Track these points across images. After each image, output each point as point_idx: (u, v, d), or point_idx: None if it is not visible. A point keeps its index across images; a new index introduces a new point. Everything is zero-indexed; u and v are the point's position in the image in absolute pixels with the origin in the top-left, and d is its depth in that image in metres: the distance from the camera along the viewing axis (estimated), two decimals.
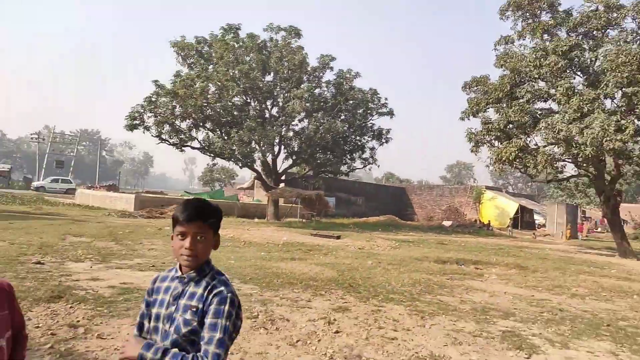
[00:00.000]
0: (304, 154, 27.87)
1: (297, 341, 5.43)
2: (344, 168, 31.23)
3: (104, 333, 5.13)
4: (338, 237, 19.14)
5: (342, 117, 28.91)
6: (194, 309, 1.74)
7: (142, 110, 25.33)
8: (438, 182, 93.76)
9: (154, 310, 1.82)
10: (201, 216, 1.81)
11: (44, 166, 65.91)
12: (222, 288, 1.79)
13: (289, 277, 9.06)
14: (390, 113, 29.85)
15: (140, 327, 1.93)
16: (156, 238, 14.84)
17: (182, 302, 1.77)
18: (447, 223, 36.54)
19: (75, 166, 77.67)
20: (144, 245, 12.79)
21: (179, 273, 1.83)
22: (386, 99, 30.00)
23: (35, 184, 51.15)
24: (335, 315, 6.53)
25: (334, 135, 26.63)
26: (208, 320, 1.71)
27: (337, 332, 5.87)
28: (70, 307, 5.96)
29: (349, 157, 30.05)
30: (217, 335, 1.68)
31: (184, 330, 1.73)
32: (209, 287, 1.78)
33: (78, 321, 5.44)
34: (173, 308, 1.77)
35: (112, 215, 23.85)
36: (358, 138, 30.01)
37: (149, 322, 1.87)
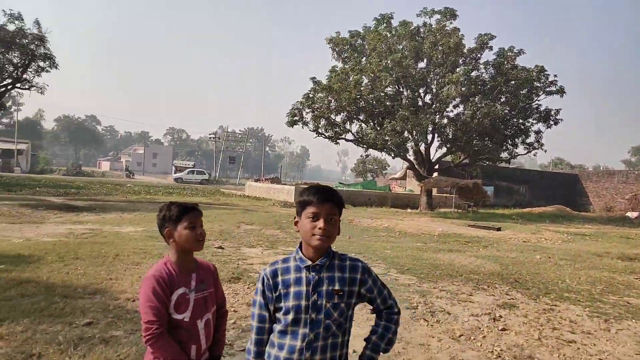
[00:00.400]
0: (460, 142, 26.60)
1: (460, 335, 5.24)
2: (504, 155, 29.00)
3: None
4: (499, 229, 17.92)
5: (503, 99, 26.78)
6: (340, 293, 1.83)
7: (300, 107, 27.01)
8: (620, 167, 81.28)
9: (289, 304, 1.78)
10: (333, 198, 1.87)
11: (220, 162, 74.69)
12: (357, 262, 1.94)
13: (447, 268, 8.78)
14: (561, 91, 26.60)
15: (260, 342, 1.89)
16: None
17: (324, 289, 1.80)
18: (632, 214, 31.46)
19: (244, 161, 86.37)
20: None
21: (308, 262, 1.81)
22: (555, 76, 26.83)
23: (174, 175, 57.75)
24: (500, 312, 6.13)
25: (493, 120, 24.84)
26: (374, 288, 1.96)
27: (504, 329, 5.50)
28: (248, 288, 6.65)
29: (510, 142, 27.76)
30: (386, 290, 2.02)
31: (335, 314, 1.83)
32: (347, 268, 1.88)
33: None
34: (316, 296, 1.78)
35: (276, 205, 25.96)
36: (521, 121, 27.50)
37: (282, 313, 1.82)
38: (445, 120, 27.56)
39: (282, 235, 12.94)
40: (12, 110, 62.88)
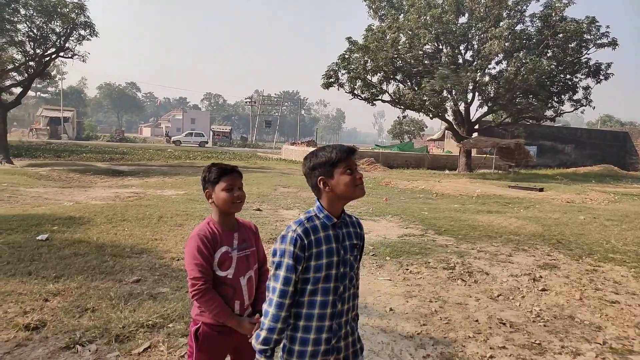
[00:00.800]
0: (502, 100, 25.58)
1: (499, 295, 5.21)
2: (549, 113, 27.76)
3: None
4: (541, 190, 17.41)
5: (549, 54, 25.34)
6: (357, 246, 1.95)
7: (336, 68, 26.56)
8: None
9: (323, 261, 1.80)
10: (354, 151, 1.94)
11: (256, 126, 75.24)
12: (357, 219, 2.04)
13: (486, 230, 8.66)
14: (613, 44, 24.85)
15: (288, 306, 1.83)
16: None
17: (347, 243, 1.88)
18: None
19: (280, 125, 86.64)
20: None
21: (334, 220, 1.85)
22: (607, 27, 25.03)
23: (173, 138, 56.88)
24: (541, 272, 6.03)
25: (538, 76, 23.62)
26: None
27: (544, 289, 5.43)
28: None
29: (555, 99, 26.45)
30: None
31: (356, 265, 1.95)
32: (355, 224, 2.00)
33: None
34: (343, 251, 1.85)
35: None
36: (568, 77, 26.04)
37: (311, 273, 1.80)
38: (487, 78, 26.46)
39: None
40: (56, 79, 64.92)
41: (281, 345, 1.86)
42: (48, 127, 51.07)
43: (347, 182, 1.82)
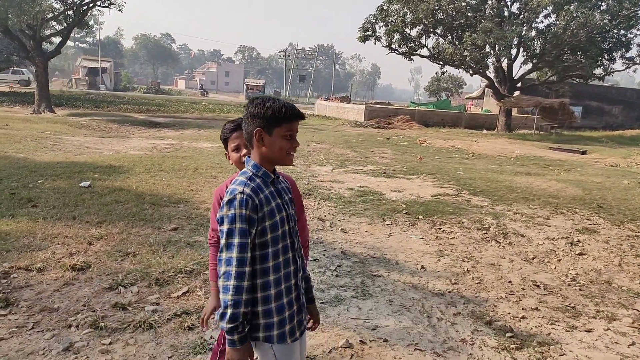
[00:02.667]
0: (548, 56, 24.20)
1: (533, 258, 5.13)
2: (597, 71, 26.15)
3: (346, 228, 5.78)
4: (584, 152, 16.73)
5: (603, 7, 23.61)
6: (292, 200, 1.89)
7: (374, 21, 25.63)
8: None
9: (276, 219, 1.70)
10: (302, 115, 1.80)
11: (289, 80, 74.54)
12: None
13: (524, 192, 8.44)
14: None
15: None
16: (386, 147, 15.56)
17: (286, 198, 1.82)
18: None
19: (314, 80, 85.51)
20: (374, 153, 13.58)
21: (272, 176, 1.75)
22: None
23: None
24: (579, 237, 5.88)
25: (589, 31, 22.12)
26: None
27: (581, 254, 5.31)
28: (318, 204, 6.86)
29: (606, 57, 24.85)
30: None
31: (296, 219, 1.90)
32: (284, 178, 1.98)
33: (325, 216, 6.24)
34: (286, 207, 1.78)
35: (346, 125, 25.82)
36: (622, 32, 24.32)
37: (268, 234, 1.68)
38: (533, 33, 24.97)
39: (352, 155, 12.97)
40: (94, 29, 65.52)
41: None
42: (87, 78, 52.06)
43: (283, 146, 1.71)
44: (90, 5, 24.56)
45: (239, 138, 2.11)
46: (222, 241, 1.63)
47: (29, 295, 3.44)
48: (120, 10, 25.23)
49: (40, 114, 20.38)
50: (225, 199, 1.64)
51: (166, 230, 5.05)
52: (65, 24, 24.56)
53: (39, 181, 6.75)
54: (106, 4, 24.76)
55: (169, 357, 2.80)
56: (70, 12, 24.19)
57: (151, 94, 49.53)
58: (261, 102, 1.72)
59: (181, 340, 2.97)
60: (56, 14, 24.09)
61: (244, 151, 2.10)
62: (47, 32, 26.00)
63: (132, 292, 3.55)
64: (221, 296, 1.61)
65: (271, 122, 1.69)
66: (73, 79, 54.37)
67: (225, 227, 1.62)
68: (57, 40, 25.88)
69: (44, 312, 3.21)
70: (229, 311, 1.59)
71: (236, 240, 1.61)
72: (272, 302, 1.69)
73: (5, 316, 3.13)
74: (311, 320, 2.05)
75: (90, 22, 42.22)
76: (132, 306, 3.34)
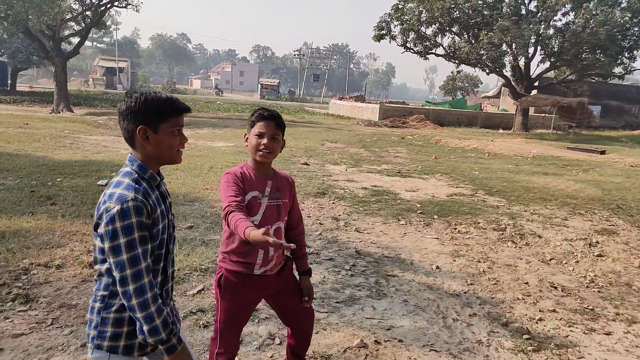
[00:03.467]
0: (566, 55, 23.81)
1: (551, 259, 5.06)
2: (617, 70, 25.64)
3: (361, 227, 5.76)
4: (602, 152, 16.44)
5: (624, 4, 23.15)
6: (171, 205, 1.74)
7: (389, 20, 25.52)
8: None
9: (160, 226, 1.55)
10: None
11: (304, 79, 74.62)
12: None
13: (541, 192, 8.33)
14: None
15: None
16: (400, 146, 15.48)
17: (168, 202, 1.68)
18: None
19: (328, 79, 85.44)
20: (389, 153, 13.52)
21: (158, 179, 1.60)
22: None
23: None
24: (598, 238, 5.78)
25: (609, 29, 21.68)
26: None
27: (600, 255, 5.22)
28: (333, 203, 6.85)
29: (626, 55, 24.37)
30: None
31: (174, 225, 1.75)
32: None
33: (339, 215, 6.23)
34: (168, 213, 1.65)
35: (360, 124, 25.75)
36: None
37: (154, 240, 1.54)
38: (551, 31, 24.62)
39: (366, 154, 12.94)
40: (111, 29, 66.40)
41: (94, 333, 1.55)
42: (104, 77, 52.80)
43: (172, 144, 1.56)
44: (108, 5, 24.91)
45: (268, 127, 2.10)
46: (124, 257, 1.42)
47: (49, 291, 3.50)
48: (137, 10, 25.55)
49: (59, 113, 20.72)
50: (114, 208, 1.43)
51: (181, 228, 5.10)
52: (83, 25, 24.94)
53: (58, 179, 6.86)
54: (123, 4, 25.09)
55: None
56: (88, 13, 24.54)
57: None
58: (141, 96, 1.52)
59: (197, 338, 2.99)
60: (75, 14, 24.48)
61: (265, 141, 2.08)
62: (66, 32, 26.43)
63: None
64: (141, 315, 1.43)
65: (156, 118, 1.51)
66: (91, 79, 55.22)
67: (122, 240, 1.42)
68: (75, 40, 26.30)
69: (62, 309, 3.27)
70: (158, 321, 1.45)
71: (140, 251, 1.44)
72: (126, 312, 1.51)
73: (26, 312, 3.19)
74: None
75: (108, 23, 42.85)
76: None
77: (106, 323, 1.54)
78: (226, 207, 1.92)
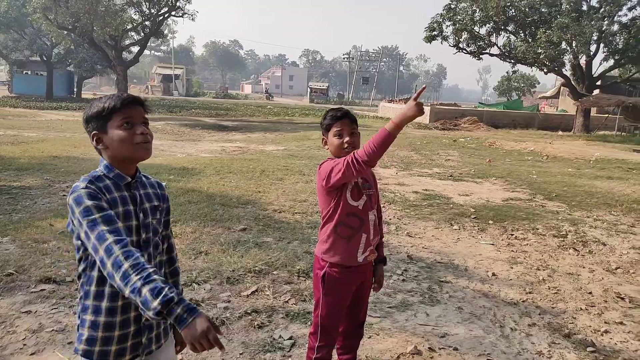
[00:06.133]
0: (632, 52, 22.41)
1: (617, 268, 4.77)
2: None
3: (412, 232, 5.68)
4: None
5: None
6: (160, 208, 1.65)
7: (440, 20, 25.05)
8: None
9: (130, 224, 1.51)
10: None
11: (353, 83, 74.55)
12: (154, 179, 1.74)
13: (605, 197, 7.88)
14: None
15: None
16: (451, 149, 15.13)
17: (146, 206, 1.59)
18: None
19: (377, 82, 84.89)
20: (440, 156, 13.25)
21: (128, 179, 1.54)
22: None
23: None
24: None
25: None
26: (169, 210, 1.75)
27: None
28: (383, 207, 6.77)
29: None
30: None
31: (161, 230, 1.66)
32: (155, 183, 1.71)
33: (390, 219, 6.18)
34: (142, 215, 1.57)
35: (410, 127, 25.38)
36: None
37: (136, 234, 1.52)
38: (615, 27, 23.23)
39: (417, 157, 12.74)
40: (168, 38, 69.28)
41: (76, 335, 1.54)
42: (161, 84, 55.12)
43: (122, 137, 1.49)
44: (166, 15, 26.05)
45: (345, 125, 2.20)
46: (92, 239, 1.37)
47: None
48: (192, 19, 26.57)
49: None
50: (69, 199, 1.44)
51: (235, 230, 5.23)
52: (143, 34, 26.23)
53: None
54: (180, 14, 26.16)
55: (240, 354, 2.89)
56: (147, 23, 25.78)
57: (220, 99, 51.48)
58: (88, 106, 1.56)
59: (251, 338, 3.05)
60: (135, 24, 25.79)
61: (347, 138, 2.19)
62: (127, 42, 27.88)
63: (205, 290, 3.71)
64: (128, 291, 1.28)
65: (102, 120, 1.51)
66: (149, 86, 57.77)
67: (85, 224, 1.38)
68: (135, 49, 27.68)
69: None
70: (146, 290, 1.26)
71: (105, 229, 1.37)
72: (102, 315, 1.48)
73: None
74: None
75: (165, 32, 44.76)
76: (205, 303, 3.49)
77: (83, 325, 1.51)
78: (352, 157, 2.02)
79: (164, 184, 1.78)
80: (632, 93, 28.67)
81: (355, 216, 2.20)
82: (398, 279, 4.21)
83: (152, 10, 25.51)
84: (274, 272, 4.10)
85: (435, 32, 25.23)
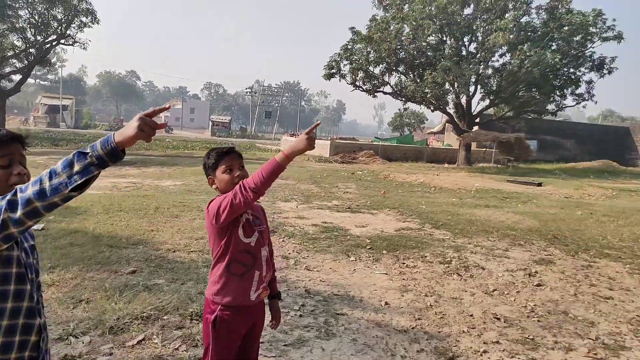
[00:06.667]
0: (504, 93, 25.45)
1: (494, 290, 5.22)
2: (550, 107, 27.60)
3: (310, 265, 5.74)
4: (539, 184, 17.42)
5: (554, 47, 25.12)
6: (34, 249, 1.68)
7: (338, 59, 26.41)
8: None
9: (29, 261, 1.52)
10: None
11: (255, 116, 75.04)
12: None
13: (483, 224, 8.66)
14: (619, 37, 24.35)
15: None
16: (350, 182, 15.73)
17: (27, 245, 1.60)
18: None
19: (280, 116, 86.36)
20: (339, 189, 13.70)
21: None
22: (614, 20, 24.45)
23: None
24: (536, 268, 6.04)
25: (542, 69, 23.40)
26: None
27: (538, 285, 5.44)
28: (282, 241, 6.81)
29: (558, 93, 26.26)
30: None
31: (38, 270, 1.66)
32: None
33: (289, 253, 6.19)
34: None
35: (311, 160, 26.03)
36: (572, 71, 25.82)
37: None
38: (489, 71, 26.30)
39: (317, 190, 13.04)
40: (56, 66, 64.59)
41: None
42: (47, 115, 50.90)
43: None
44: (54, 43, 24.34)
45: (233, 160, 2.18)
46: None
47: None
48: (84, 48, 25.10)
49: None
50: None
51: (123, 273, 4.89)
52: (26, 62, 24.15)
53: None
54: (70, 42, 24.61)
55: None
56: (32, 50, 23.83)
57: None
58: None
59: None
60: (17, 51, 23.70)
61: (238, 172, 2.16)
62: (7, 69, 25.46)
63: (83, 343, 3.38)
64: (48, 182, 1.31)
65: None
66: (32, 117, 53.02)
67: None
68: (17, 77, 25.35)
69: None
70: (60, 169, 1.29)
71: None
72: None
73: None
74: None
75: (53, 60, 41.71)
76: (82, 358, 3.18)
77: None
78: (241, 187, 1.94)
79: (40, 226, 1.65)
80: (505, 129, 32.26)
81: (248, 253, 2.19)
82: (295, 314, 4.20)
83: (39, 38, 23.69)
84: (164, 317, 3.87)
85: (334, 70, 26.53)
